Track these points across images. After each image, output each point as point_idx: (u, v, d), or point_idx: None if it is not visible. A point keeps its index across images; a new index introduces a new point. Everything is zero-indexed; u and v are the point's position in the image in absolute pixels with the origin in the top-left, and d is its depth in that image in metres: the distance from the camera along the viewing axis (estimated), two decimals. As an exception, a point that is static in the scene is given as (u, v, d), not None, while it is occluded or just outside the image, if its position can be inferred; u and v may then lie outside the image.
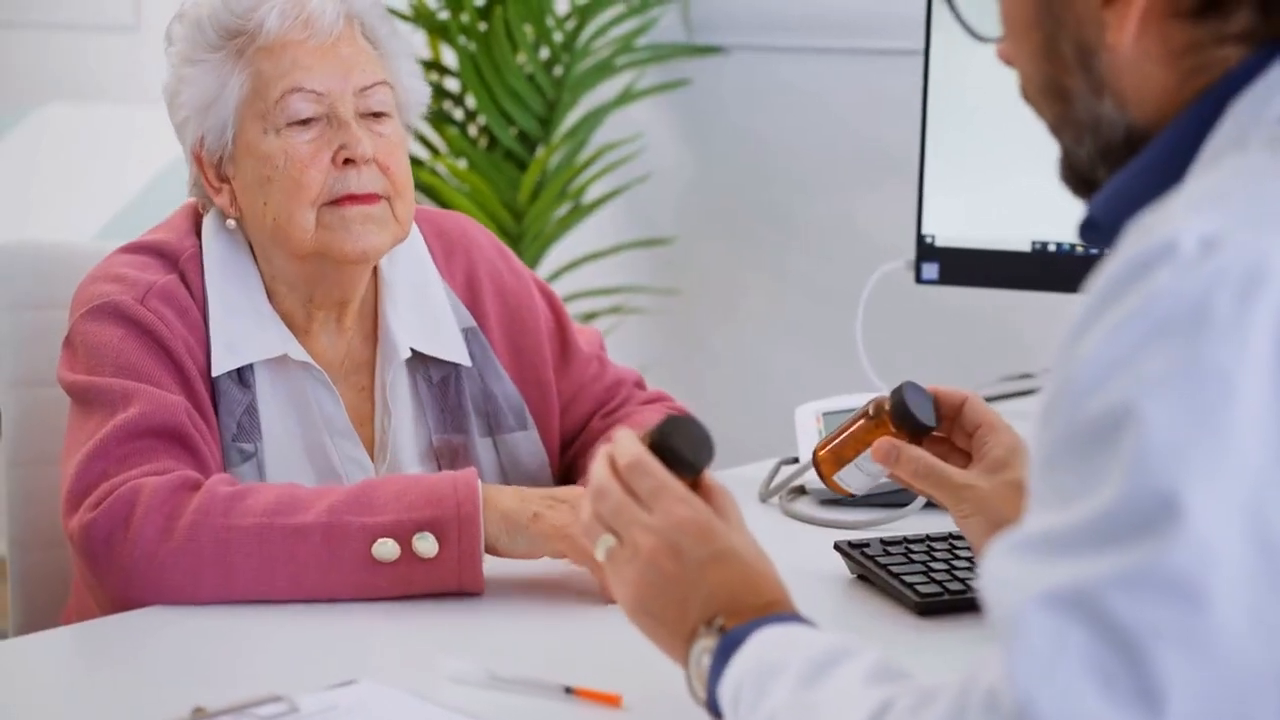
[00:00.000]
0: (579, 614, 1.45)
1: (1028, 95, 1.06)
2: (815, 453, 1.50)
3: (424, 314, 1.75)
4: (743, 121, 3.18)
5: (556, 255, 3.26)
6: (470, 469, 1.52)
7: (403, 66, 1.72)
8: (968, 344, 2.87)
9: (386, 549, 1.46)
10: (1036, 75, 1.04)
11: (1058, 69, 1.02)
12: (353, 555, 1.46)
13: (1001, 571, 0.89)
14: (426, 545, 1.46)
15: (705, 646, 1.10)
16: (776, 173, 3.14)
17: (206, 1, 1.67)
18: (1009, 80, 2.12)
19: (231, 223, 1.68)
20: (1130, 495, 0.84)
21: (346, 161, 1.63)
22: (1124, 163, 1.01)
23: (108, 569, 1.49)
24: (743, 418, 2.93)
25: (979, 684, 0.89)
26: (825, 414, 1.91)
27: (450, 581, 1.47)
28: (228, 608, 1.46)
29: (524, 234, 3.11)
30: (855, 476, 1.48)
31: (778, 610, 1.12)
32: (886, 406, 1.45)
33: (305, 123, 1.64)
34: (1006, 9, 1.05)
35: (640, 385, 1.93)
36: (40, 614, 1.85)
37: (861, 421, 1.47)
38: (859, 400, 1.93)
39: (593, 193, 3.23)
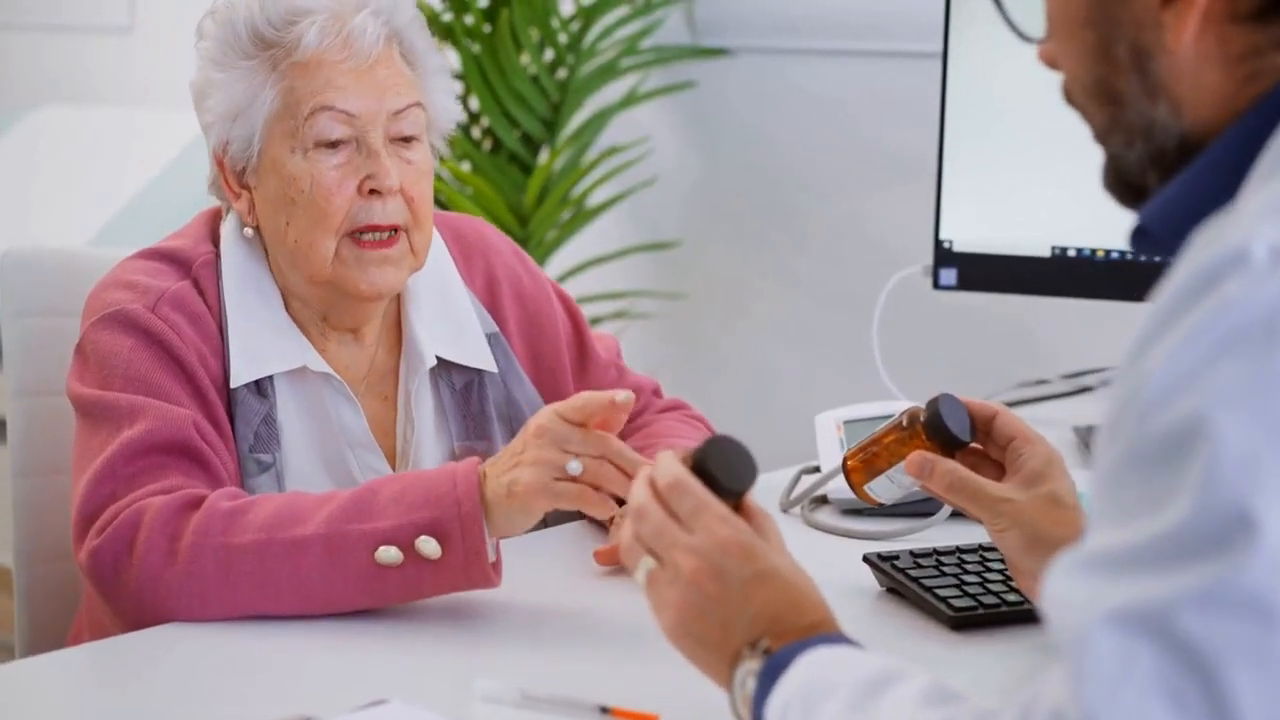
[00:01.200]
0: (614, 631, 1.43)
1: (1073, 98, 1.03)
2: (845, 461, 1.47)
3: (448, 320, 1.72)
4: (749, 124, 3.15)
5: (561, 260, 3.24)
6: (473, 459, 1.47)
7: (437, 85, 1.69)
8: (985, 350, 2.84)
9: (390, 555, 1.42)
10: (1086, 77, 1.01)
11: (1110, 71, 0.99)
12: (356, 564, 1.42)
13: (1066, 590, 0.87)
14: (430, 548, 1.41)
15: (750, 669, 1.08)
16: (784, 176, 3.12)
17: (244, 3, 1.63)
18: (1029, 83, 2.10)
19: (249, 231, 1.65)
20: (1202, 511, 0.82)
21: (372, 192, 1.61)
22: (1175, 169, 0.98)
23: (116, 595, 1.46)
24: (750, 424, 2.90)
25: (1042, 704, 0.86)
26: (846, 422, 1.89)
27: (460, 581, 1.44)
28: (250, 625, 1.43)
29: (529, 238, 3.08)
30: (886, 488, 1.46)
31: (822, 631, 1.10)
32: (921, 418, 1.42)
33: (333, 145, 1.61)
34: (1056, 9, 1.02)
35: (657, 393, 1.91)
36: (47, 627, 1.82)
37: (894, 432, 1.44)
38: (880, 408, 1.92)
39: (598, 196, 3.20)
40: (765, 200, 3.14)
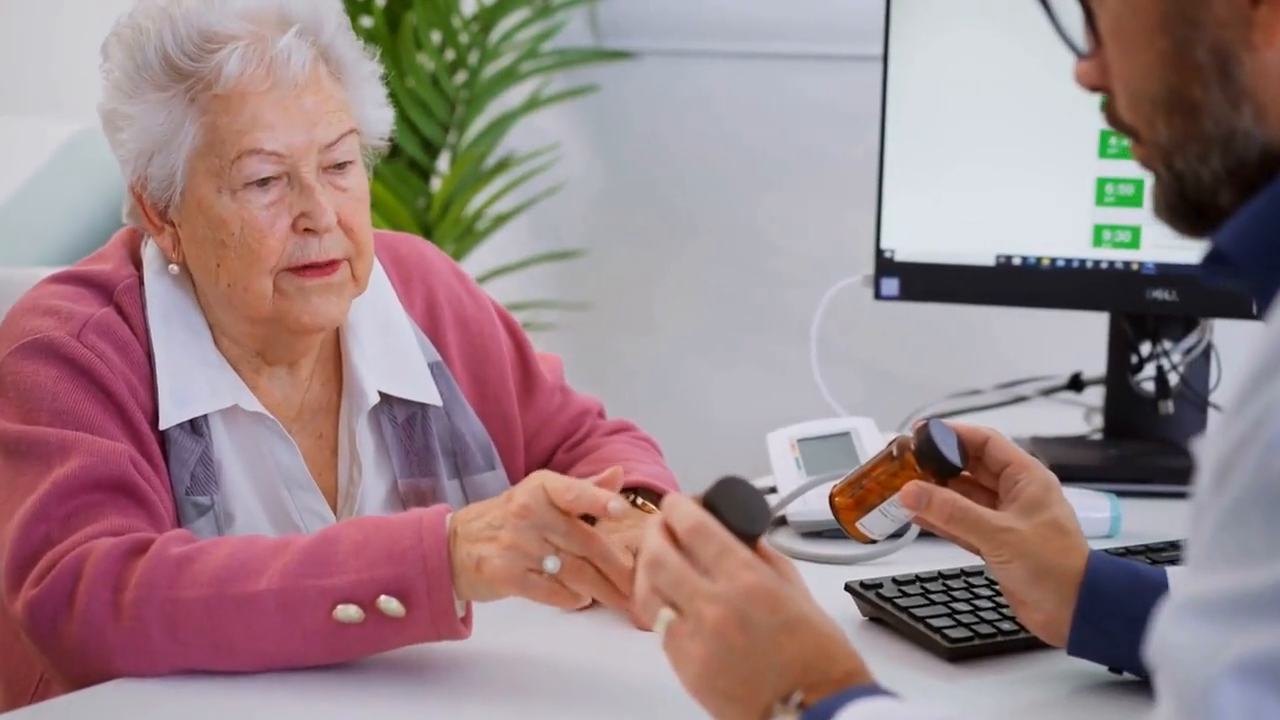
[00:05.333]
0: (627, 687, 1.34)
1: (1129, 115, 0.96)
2: (833, 499, 1.40)
3: (390, 352, 1.63)
4: (654, 129, 3.08)
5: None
6: (441, 507, 1.37)
7: (368, 95, 1.57)
8: (928, 361, 2.79)
9: (349, 613, 1.31)
10: (1155, 89, 0.93)
11: (1186, 79, 0.92)
12: (313, 622, 1.32)
13: (1180, 638, 0.81)
14: (393, 607, 1.31)
15: (785, 724, 1.01)
16: (694, 182, 3.05)
17: (153, 27, 1.49)
18: (973, 87, 2.05)
19: (174, 268, 1.54)
20: None
21: (307, 230, 1.50)
22: (1253, 184, 0.92)
23: (56, 649, 1.35)
24: (661, 438, 2.83)
25: None
26: (800, 440, 1.83)
27: (426, 636, 1.34)
28: (206, 679, 1.32)
29: (432, 248, 2.99)
30: (879, 522, 1.38)
31: (857, 681, 1.03)
32: (911, 447, 1.36)
33: (263, 182, 1.49)
34: (1119, 17, 0.94)
35: (601, 414, 1.83)
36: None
37: (883, 464, 1.37)
38: (831, 425, 1.86)
39: (501, 204, 3.11)
40: (674, 207, 3.07)
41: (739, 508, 1.08)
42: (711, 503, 1.08)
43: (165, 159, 1.50)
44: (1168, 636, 0.82)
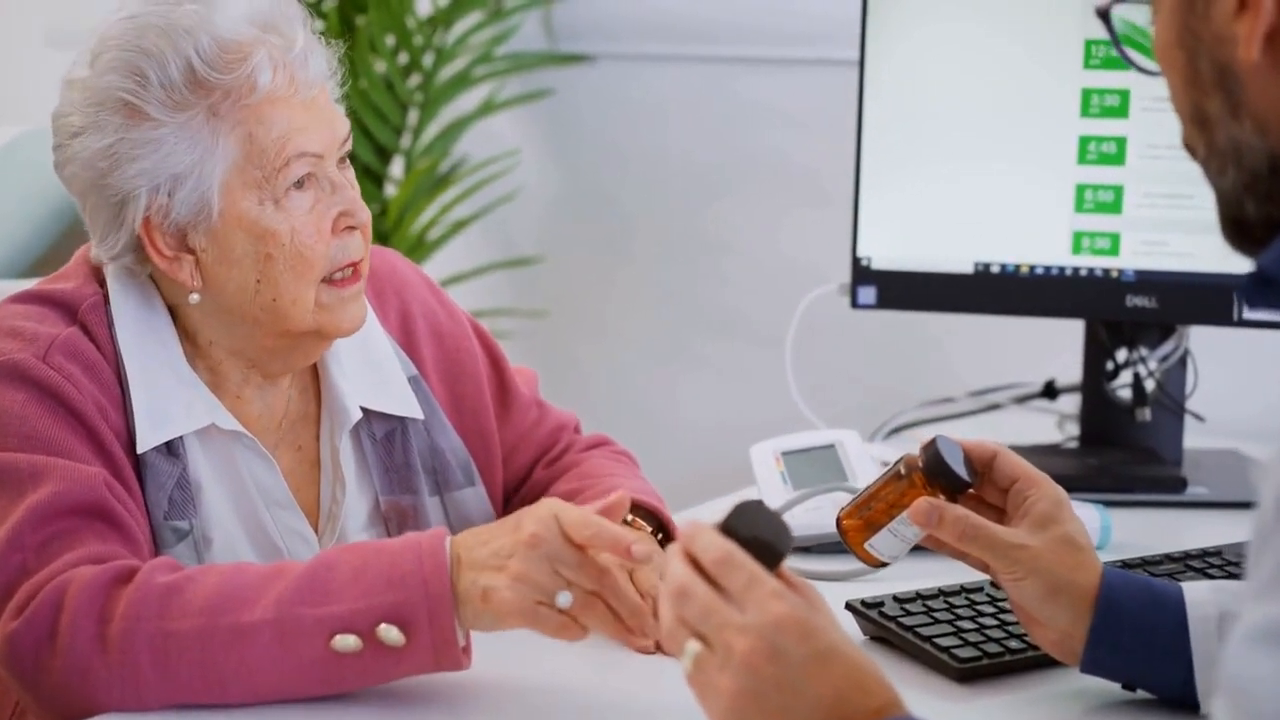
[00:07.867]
0: (633, 707, 1.31)
1: (1185, 132, 0.97)
2: (840, 521, 1.37)
3: (369, 365, 1.59)
4: (611, 133, 3.04)
5: (415, 277, 3.08)
6: (439, 530, 1.33)
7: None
8: (899, 368, 2.76)
9: (347, 643, 1.27)
10: (1183, 104, 0.96)
11: (1200, 92, 0.94)
12: (310, 652, 1.28)
13: (1254, 667, 0.79)
14: (393, 635, 1.27)
15: (818, 758, 0.98)
16: (649, 187, 3.01)
17: (166, 45, 1.42)
18: (951, 93, 2.03)
19: (196, 296, 1.48)
20: None
21: (348, 228, 1.48)
22: (1271, 195, 0.92)
23: (37, 684, 1.30)
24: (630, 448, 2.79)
25: None
26: (785, 453, 1.80)
27: (426, 667, 1.30)
28: (195, 714, 1.27)
29: (388, 257, 2.93)
30: (889, 543, 1.35)
31: (892, 713, 1.00)
32: (919, 464, 1.33)
33: (299, 185, 1.46)
34: (1154, 33, 0.97)
35: (577, 429, 1.80)
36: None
37: (891, 483, 1.34)
38: (816, 438, 1.83)
39: (456, 211, 3.06)
40: (632, 213, 3.03)
41: (761, 534, 1.05)
42: (732, 529, 1.05)
43: (197, 182, 1.44)
44: (1238, 666, 0.80)
